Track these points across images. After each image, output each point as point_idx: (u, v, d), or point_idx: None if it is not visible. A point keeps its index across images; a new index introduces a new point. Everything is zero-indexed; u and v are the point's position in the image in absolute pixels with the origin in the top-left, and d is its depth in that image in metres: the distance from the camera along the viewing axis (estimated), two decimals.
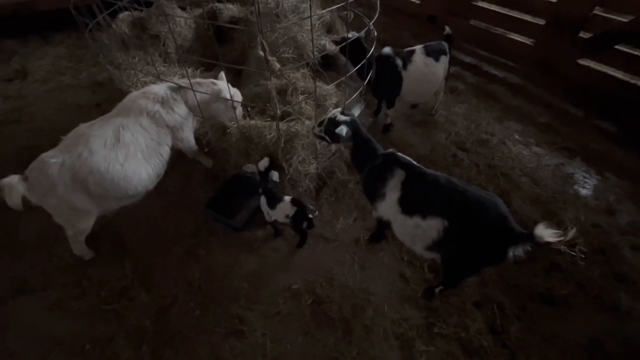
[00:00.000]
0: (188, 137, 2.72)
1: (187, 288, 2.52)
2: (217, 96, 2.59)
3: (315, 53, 3.27)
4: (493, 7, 5.05)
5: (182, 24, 3.86)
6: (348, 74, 2.71)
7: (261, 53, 2.64)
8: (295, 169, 2.65)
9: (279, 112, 2.55)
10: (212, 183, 3.13)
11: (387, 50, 3.27)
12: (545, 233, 1.64)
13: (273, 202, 2.49)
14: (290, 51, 3.26)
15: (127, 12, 3.93)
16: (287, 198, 2.48)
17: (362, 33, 3.00)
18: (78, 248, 2.51)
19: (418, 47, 3.34)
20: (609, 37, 4.08)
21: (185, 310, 2.40)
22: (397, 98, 3.48)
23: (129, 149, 2.31)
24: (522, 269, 2.56)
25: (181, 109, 2.57)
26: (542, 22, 4.64)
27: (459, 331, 2.23)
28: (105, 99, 4.10)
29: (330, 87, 2.86)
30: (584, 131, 3.80)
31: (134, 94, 2.54)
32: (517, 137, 3.74)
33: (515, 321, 2.30)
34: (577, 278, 2.49)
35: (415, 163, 2.15)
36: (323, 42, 3.54)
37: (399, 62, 3.26)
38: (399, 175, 2.12)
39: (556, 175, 3.29)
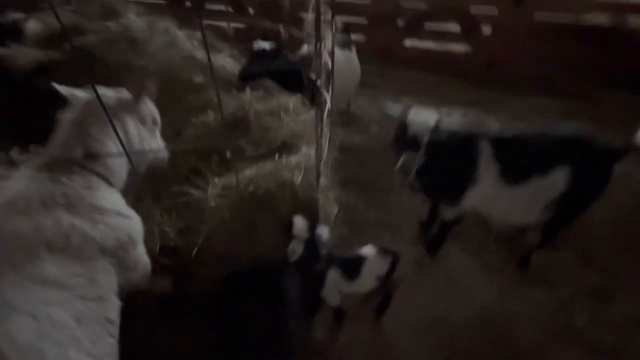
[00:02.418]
0: (142, 254, 1.34)
1: None
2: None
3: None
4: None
5: None
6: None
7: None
8: (327, 210, 1.78)
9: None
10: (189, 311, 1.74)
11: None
12: None
13: (354, 268, 1.56)
14: (199, 78, 2.25)
15: None
16: (369, 251, 1.62)
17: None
18: None
19: None
20: (417, 20, 5.12)
21: None
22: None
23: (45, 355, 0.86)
24: None
25: (110, 197, 1.22)
26: (365, 21, 5.34)
27: (581, 286, 2.06)
28: None
29: (290, 99, 2.12)
30: (453, 88, 4.56)
31: None
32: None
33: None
34: None
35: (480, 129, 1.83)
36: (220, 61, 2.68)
37: None
38: (485, 149, 1.74)
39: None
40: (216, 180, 1.60)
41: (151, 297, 1.70)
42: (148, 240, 1.54)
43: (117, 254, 1.17)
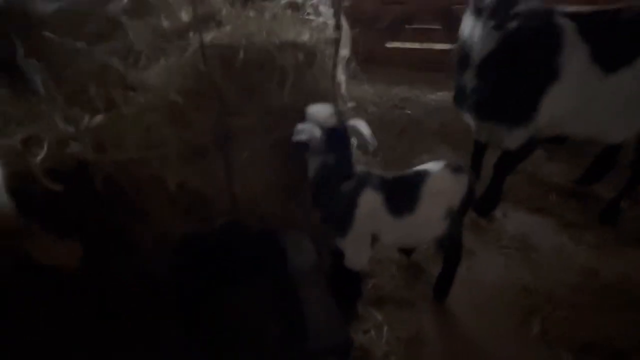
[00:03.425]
0: None
1: None
2: None
3: None
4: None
5: None
6: None
7: None
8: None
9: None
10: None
11: None
12: None
13: (409, 192, 0.89)
14: None
15: None
16: (436, 166, 0.96)
17: None
18: None
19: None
20: (397, 21, 4.98)
21: None
22: None
23: None
24: None
25: None
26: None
27: None
28: None
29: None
30: (445, 81, 4.25)
31: None
32: (418, 92, 3.77)
33: None
34: None
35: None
36: None
37: None
38: (567, 27, 1.23)
39: None
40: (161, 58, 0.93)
41: (46, 276, 0.92)
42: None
43: None
